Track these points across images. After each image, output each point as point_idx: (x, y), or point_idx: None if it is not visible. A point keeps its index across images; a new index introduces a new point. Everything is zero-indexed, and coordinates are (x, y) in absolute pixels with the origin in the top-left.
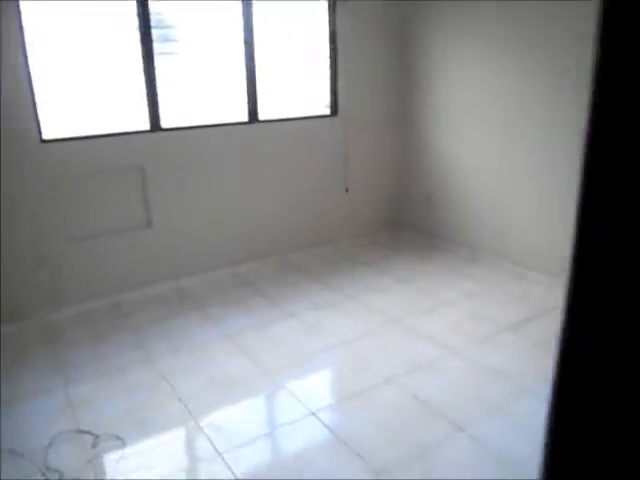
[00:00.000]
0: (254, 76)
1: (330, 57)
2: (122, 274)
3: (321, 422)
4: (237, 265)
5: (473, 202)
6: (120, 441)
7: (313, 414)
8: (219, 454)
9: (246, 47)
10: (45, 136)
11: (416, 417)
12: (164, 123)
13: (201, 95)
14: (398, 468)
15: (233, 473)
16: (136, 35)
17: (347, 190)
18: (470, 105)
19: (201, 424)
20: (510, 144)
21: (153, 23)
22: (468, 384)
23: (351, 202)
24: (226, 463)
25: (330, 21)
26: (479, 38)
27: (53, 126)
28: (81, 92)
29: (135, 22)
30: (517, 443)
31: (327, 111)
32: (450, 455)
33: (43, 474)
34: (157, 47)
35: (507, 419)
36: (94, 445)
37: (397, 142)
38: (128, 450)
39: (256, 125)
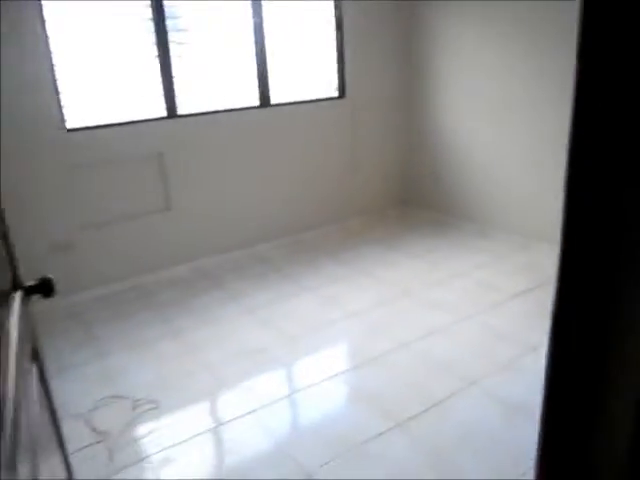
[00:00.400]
0: (264, 61)
1: (337, 41)
2: (143, 256)
3: (343, 383)
4: (253, 245)
5: (479, 178)
6: (156, 403)
7: (335, 376)
8: (251, 412)
9: (256, 33)
10: (69, 125)
11: (431, 375)
12: (181, 109)
13: (215, 81)
14: (417, 417)
15: (266, 427)
16: (150, 25)
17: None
18: (474, 84)
19: (231, 386)
20: (514, 120)
21: (166, 13)
22: (479, 345)
23: (360, 181)
24: (258, 420)
25: (336, 5)
26: (481, 22)
27: (76, 115)
28: (101, 82)
29: (149, 12)
30: (525, 394)
31: (335, 93)
32: (464, 405)
33: (96, 435)
34: (171, 36)
35: (516, 374)
36: (134, 408)
37: (403, 121)
38: (165, 411)
39: (268, 109)
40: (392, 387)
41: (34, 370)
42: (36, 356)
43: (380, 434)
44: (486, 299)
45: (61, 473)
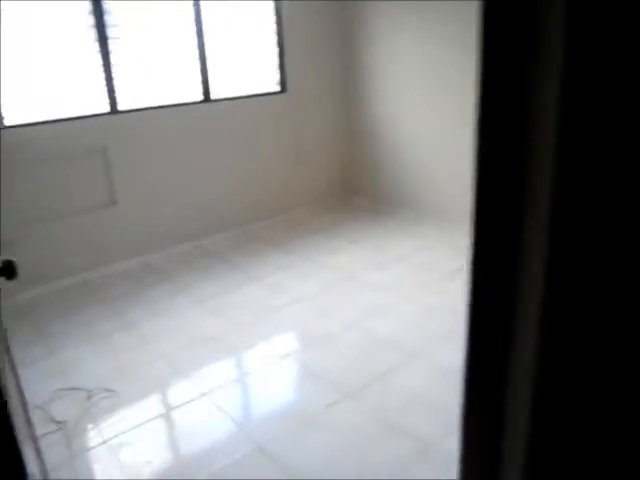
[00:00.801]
0: (205, 57)
1: (277, 36)
2: (92, 251)
3: (294, 362)
4: (200, 238)
5: (414, 168)
6: (112, 392)
7: (286, 356)
8: (206, 395)
9: (197, 29)
10: (7, 122)
11: (376, 350)
12: (123, 105)
13: (157, 77)
14: (365, 388)
15: (221, 409)
16: (90, 20)
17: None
18: (411, 79)
19: (186, 373)
20: (448, 114)
21: (106, 8)
22: (420, 321)
23: (304, 172)
24: (213, 402)
25: (276, 1)
26: (417, 19)
27: (14, 112)
28: (41, 79)
29: (88, 7)
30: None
31: (277, 88)
32: (408, 375)
33: (53, 424)
34: (112, 31)
35: (454, 344)
36: (89, 397)
37: (343, 114)
38: (120, 399)
39: (211, 104)
40: (340, 363)
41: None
42: (5, 343)
43: (331, 405)
44: (424, 279)
45: (33, 459)
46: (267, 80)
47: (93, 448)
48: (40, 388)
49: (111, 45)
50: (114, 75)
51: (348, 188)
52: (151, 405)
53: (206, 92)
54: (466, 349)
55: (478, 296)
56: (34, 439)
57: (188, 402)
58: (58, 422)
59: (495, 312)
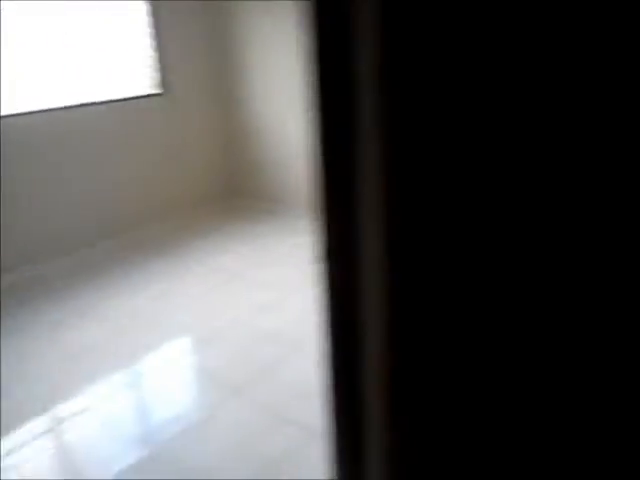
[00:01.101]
0: (76, 59)
1: (154, 38)
2: None
3: (182, 365)
4: (81, 247)
5: (296, 166)
6: None
7: (176, 359)
8: (92, 407)
9: (65, 30)
10: None
11: (262, 345)
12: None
13: (32, 80)
14: (253, 384)
15: (109, 420)
16: None
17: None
18: (288, 77)
19: (72, 386)
20: None
21: None
22: (304, 314)
23: (188, 176)
24: (99, 414)
25: (151, 5)
26: (291, 19)
27: None
28: None
29: None
30: None
31: (155, 90)
32: (293, 368)
33: None
34: None
35: None
36: None
37: (225, 116)
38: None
39: (84, 108)
40: (228, 360)
41: None
42: None
43: (222, 403)
44: (309, 273)
45: None
46: (146, 82)
47: None
48: None
49: None
50: None
51: (232, 189)
52: (35, 425)
53: (80, 96)
54: (325, 333)
55: (327, 275)
56: None
57: (75, 416)
58: None
59: (342, 293)
